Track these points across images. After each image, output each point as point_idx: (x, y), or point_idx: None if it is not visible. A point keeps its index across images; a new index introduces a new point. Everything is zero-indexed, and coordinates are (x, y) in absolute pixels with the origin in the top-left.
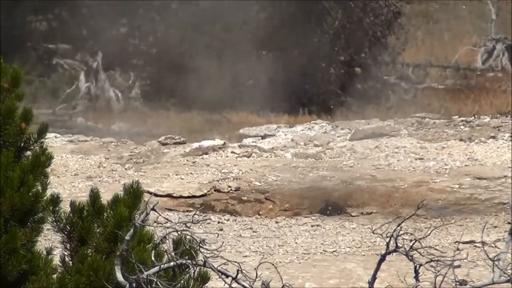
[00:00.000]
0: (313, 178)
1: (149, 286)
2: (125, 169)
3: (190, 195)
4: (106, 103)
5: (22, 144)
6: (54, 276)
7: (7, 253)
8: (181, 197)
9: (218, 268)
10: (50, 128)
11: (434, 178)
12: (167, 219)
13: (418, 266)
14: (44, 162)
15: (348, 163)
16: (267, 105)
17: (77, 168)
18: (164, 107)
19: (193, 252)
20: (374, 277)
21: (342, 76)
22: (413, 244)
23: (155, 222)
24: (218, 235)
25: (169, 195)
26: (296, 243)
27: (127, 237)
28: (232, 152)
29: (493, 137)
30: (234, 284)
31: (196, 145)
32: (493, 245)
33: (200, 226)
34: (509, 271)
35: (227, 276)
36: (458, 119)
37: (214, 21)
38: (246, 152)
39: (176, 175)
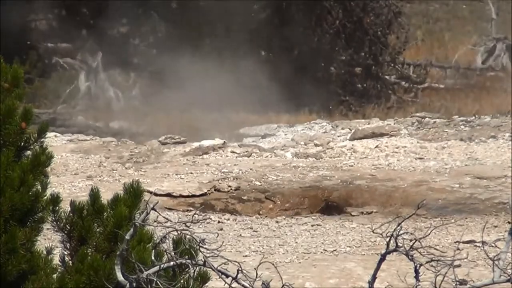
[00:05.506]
0: (313, 178)
1: (149, 286)
2: (125, 168)
3: (190, 194)
4: (106, 102)
5: (22, 143)
6: (54, 275)
7: (7, 253)
8: (181, 196)
9: (218, 268)
10: (50, 127)
11: (434, 177)
12: (167, 218)
13: (418, 265)
14: (44, 161)
15: (348, 162)
16: (267, 105)
17: (77, 167)
18: (164, 107)
19: (193, 252)
20: (374, 277)
21: (342, 75)
22: (413, 243)
23: (155, 221)
24: (218, 235)
25: (169, 195)
26: (296, 242)
27: (127, 237)
28: (232, 152)
29: (494, 137)
30: (234, 284)
31: (196, 144)
32: (493, 244)
33: (200, 226)
34: (509, 270)
35: (227, 276)
36: (458, 119)
37: (215, 21)
38: (246, 151)
39: (176, 174)
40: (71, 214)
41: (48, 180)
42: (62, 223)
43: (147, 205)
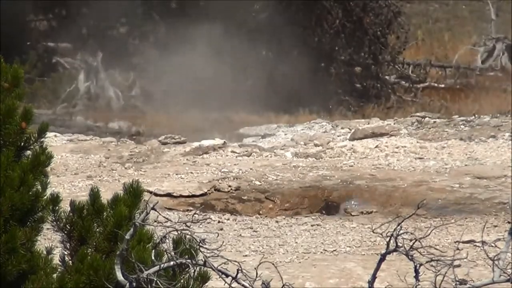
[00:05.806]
0: (313, 178)
1: (149, 286)
2: (125, 168)
3: (190, 194)
4: (106, 102)
5: (22, 143)
6: (54, 275)
7: (6, 253)
8: (181, 196)
9: (218, 267)
10: (50, 127)
11: (434, 177)
12: (167, 218)
13: (418, 265)
14: (44, 161)
15: (348, 162)
16: (267, 105)
17: (77, 167)
18: (164, 107)
19: (193, 252)
20: (374, 277)
21: (342, 75)
22: (413, 243)
23: (155, 221)
24: (218, 235)
25: (169, 195)
26: (296, 242)
27: (127, 237)
28: (232, 152)
29: (493, 137)
30: (234, 284)
31: (196, 144)
32: (493, 244)
33: (200, 226)
34: (509, 270)
35: (227, 276)
36: (458, 119)
37: (215, 21)
38: (246, 151)
39: (176, 174)
40: (71, 214)
41: (48, 180)
42: (62, 223)
43: (147, 205)
